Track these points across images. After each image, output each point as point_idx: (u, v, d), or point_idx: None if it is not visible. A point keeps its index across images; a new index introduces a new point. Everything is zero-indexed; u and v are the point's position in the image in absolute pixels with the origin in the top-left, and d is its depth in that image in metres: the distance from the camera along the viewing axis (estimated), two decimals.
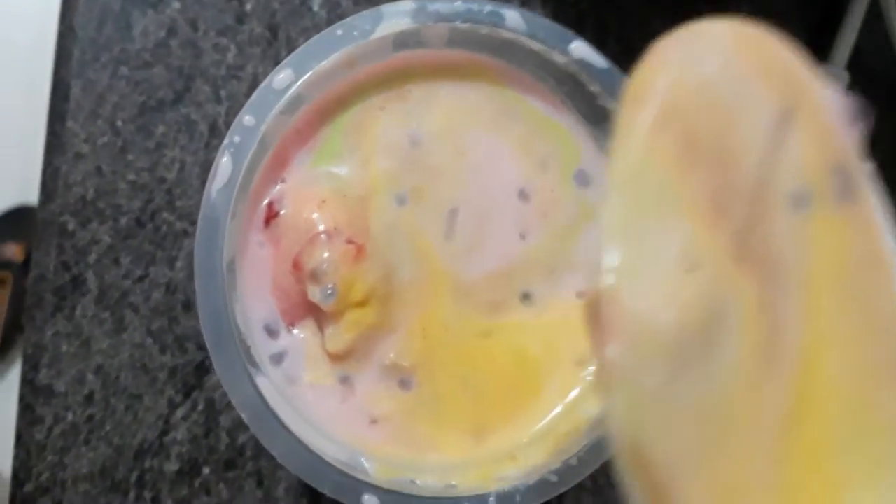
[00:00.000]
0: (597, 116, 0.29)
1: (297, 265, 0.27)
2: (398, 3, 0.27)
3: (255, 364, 0.26)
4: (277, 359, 0.27)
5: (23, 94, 0.97)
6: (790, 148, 0.17)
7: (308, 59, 0.27)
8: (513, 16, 0.28)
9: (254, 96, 0.26)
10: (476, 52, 0.29)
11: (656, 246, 0.17)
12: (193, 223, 0.37)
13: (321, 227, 0.27)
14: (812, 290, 0.17)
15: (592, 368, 0.29)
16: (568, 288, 0.29)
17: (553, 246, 0.29)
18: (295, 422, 0.26)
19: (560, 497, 0.37)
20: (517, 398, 0.28)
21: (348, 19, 0.27)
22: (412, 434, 0.28)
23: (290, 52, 0.27)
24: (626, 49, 0.28)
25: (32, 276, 0.37)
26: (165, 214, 0.38)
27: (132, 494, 0.36)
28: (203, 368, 0.37)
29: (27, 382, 0.36)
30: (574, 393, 0.29)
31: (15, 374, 0.95)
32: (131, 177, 0.38)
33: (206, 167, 0.38)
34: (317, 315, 0.28)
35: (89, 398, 0.36)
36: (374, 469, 0.27)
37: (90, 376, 0.36)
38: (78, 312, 0.37)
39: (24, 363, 0.37)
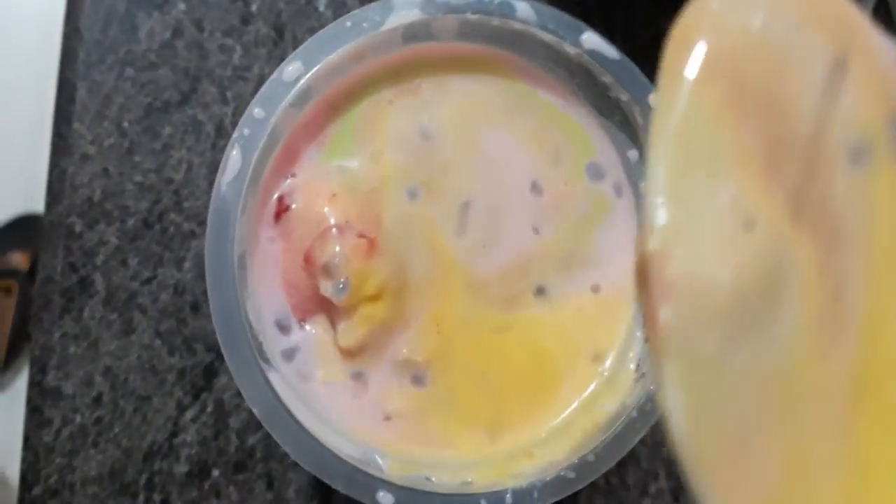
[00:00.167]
0: (609, 108, 0.29)
1: (308, 259, 0.26)
2: None
3: (266, 360, 0.26)
4: (289, 354, 0.27)
5: (28, 97, 0.97)
6: (845, 98, 0.16)
7: (317, 51, 0.26)
8: (523, 7, 0.27)
9: (263, 88, 0.26)
10: (487, 45, 0.28)
11: (708, 202, 0.16)
12: (201, 224, 0.37)
13: (332, 221, 0.27)
14: (874, 252, 0.16)
15: (609, 363, 0.28)
16: (583, 282, 0.29)
17: (567, 239, 0.28)
18: (308, 418, 0.25)
19: (573, 499, 0.37)
20: (533, 394, 0.28)
21: (357, 11, 0.27)
22: (426, 431, 0.27)
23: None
24: (632, 47, 0.28)
25: (40, 279, 0.37)
26: (173, 215, 0.37)
27: (141, 497, 0.36)
28: (212, 370, 0.36)
29: (35, 385, 0.36)
30: (591, 388, 0.28)
31: (22, 382, 0.95)
32: (138, 178, 0.37)
33: (213, 168, 0.38)
34: (329, 310, 0.27)
35: (97, 400, 0.36)
36: (388, 466, 0.26)
37: (98, 378, 0.36)
38: (86, 314, 0.36)
39: (32, 365, 0.36)
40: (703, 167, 0.16)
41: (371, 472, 0.25)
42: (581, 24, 0.27)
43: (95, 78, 0.38)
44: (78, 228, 0.37)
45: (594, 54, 0.27)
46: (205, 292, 0.37)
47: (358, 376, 0.27)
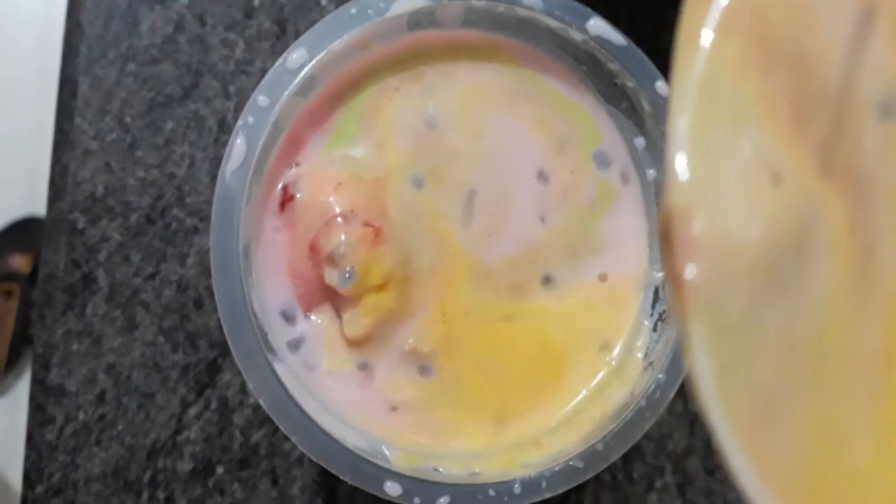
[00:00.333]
0: (615, 95, 0.28)
1: (313, 249, 0.26)
2: None
3: (272, 350, 0.26)
4: (295, 345, 0.27)
5: (30, 92, 0.97)
6: (874, 52, 0.15)
7: (322, 37, 0.26)
8: None
9: (268, 75, 0.26)
10: (492, 32, 0.28)
11: (732, 156, 0.15)
12: (204, 219, 0.37)
13: (337, 210, 0.26)
14: None
15: (617, 352, 0.28)
16: (590, 270, 0.28)
17: (574, 228, 0.28)
18: (314, 409, 0.25)
19: (579, 494, 0.36)
20: (540, 383, 0.28)
21: None
22: (433, 421, 0.27)
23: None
24: (636, 39, 0.28)
25: (42, 275, 0.37)
26: (175, 211, 0.37)
27: (145, 494, 0.35)
28: (216, 366, 0.36)
29: (38, 382, 0.36)
30: (598, 377, 0.28)
31: (24, 385, 0.95)
32: (140, 173, 0.37)
33: (216, 163, 0.38)
34: (334, 300, 0.27)
35: (101, 397, 0.36)
36: (395, 457, 0.26)
37: (101, 375, 0.36)
38: (89, 311, 0.36)
39: (35, 363, 0.36)
40: (727, 120, 0.15)
41: (378, 462, 0.25)
42: (587, 10, 0.27)
43: (97, 73, 0.38)
44: (80, 224, 0.37)
45: (601, 41, 0.27)
46: (208, 288, 0.37)
47: (364, 366, 0.27)
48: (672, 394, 0.26)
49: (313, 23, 0.39)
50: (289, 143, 0.27)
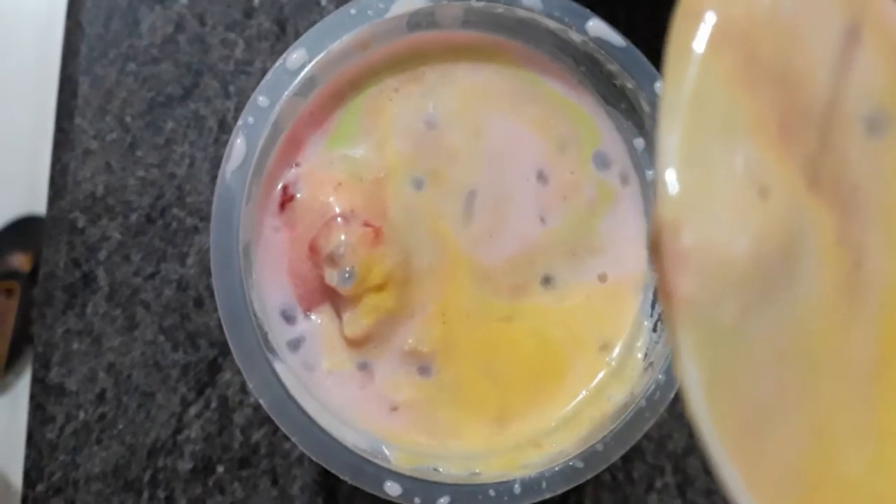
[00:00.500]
0: (615, 96, 0.28)
1: (313, 249, 0.26)
2: None
3: (272, 350, 0.26)
4: (295, 345, 0.27)
5: (30, 92, 0.97)
6: (860, 68, 0.16)
7: (322, 38, 0.26)
8: None
9: (268, 76, 0.26)
10: (492, 33, 0.28)
11: (721, 171, 0.15)
12: (204, 219, 0.37)
13: (337, 211, 0.26)
14: (894, 222, 0.16)
15: (617, 353, 0.28)
16: (589, 271, 0.28)
17: (573, 229, 0.28)
18: (314, 409, 0.25)
19: (579, 494, 0.36)
20: (540, 384, 0.28)
21: None
22: (433, 421, 0.27)
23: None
24: (635, 40, 0.28)
25: (42, 274, 0.37)
26: (175, 210, 0.37)
27: (145, 494, 0.35)
28: (216, 366, 0.36)
29: (38, 381, 0.36)
30: (598, 378, 0.28)
31: (24, 384, 0.95)
32: (141, 173, 0.37)
33: (216, 163, 0.38)
34: (334, 300, 0.27)
35: (101, 396, 0.36)
36: (395, 457, 0.26)
37: (102, 374, 0.36)
38: (89, 310, 0.36)
39: (35, 362, 0.36)
40: (716, 135, 0.15)
41: (378, 462, 0.25)
42: (587, 11, 0.27)
43: (97, 73, 0.38)
44: (80, 224, 0.37)
45: (600, 42, 0.27)
46: (208, 287, 0.37)
47: (364, 366, 0.27)
48: (672, 394, 0.26)
49: (313, 23, 0.39)
50: (289, 143, 0.27)
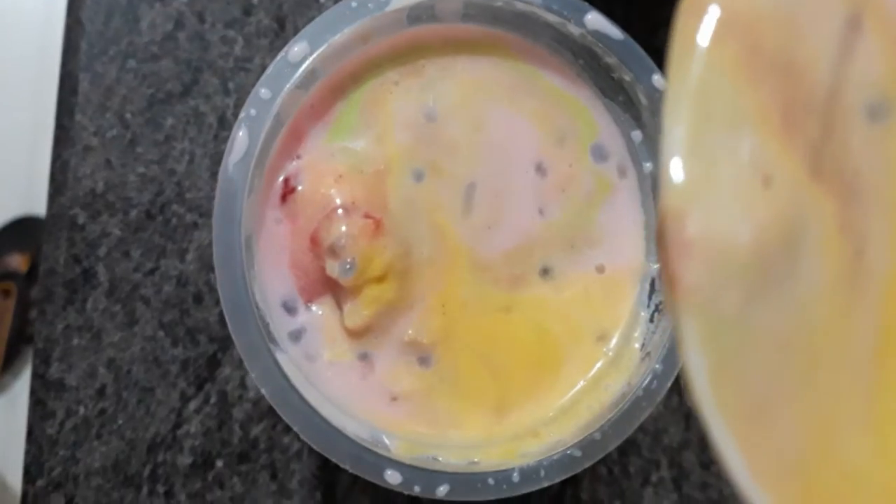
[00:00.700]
0: (613, 89, 0.29)
1: (314, 241, 0.26)
2: None
3: (274, 341, 0.26)
4: (296, 336, 0.27)
5: (30, 89, 0.97)
6: (861, 57, 0.16)
7: (323, 31, 0.26)
8: None
9: (269, 69, 0.26)
10: (491, 26, 0.28)
11: (725, 160, 0.15)
12: (203, 215, 0.37)
13: (338, 202, 0.27)
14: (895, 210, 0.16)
15: (614, 343, 0.29)
16: (587, 262, 0.29)
17: (572, 220, 0.28)
18: (315, 398, 0.25)
19: (575, 488, 0.37)
20: (539, 374, 0.28)
21: None
22: (433, 411, 0.27)
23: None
24: (632, 35, 0.28)
25: (42, 271, 0.37)
26: (175, 207, 0.37)
27: (145, 489, 0.35)
28: (215, 361, 0.36)
29: (38, 377, 0.36)
30: (596, 368, 0.28)
31: (22, 383, 0.95)
32: (141, 169, 0.37)
33: (216, 159, 0.38)
34: (335, 291, 0.27)
35: (101, 392, 0.36)
36: (395, 446, 0.26)
37: (102, 370, 0.36)
38: (89, 306, 0.36)
39: (35, 357, 0.36)
40: (720, 125, 0.16)
41: (378, 451, 0.25)
42: (585, 4, 0.27)
43: (97, 69, 0.38)
44: (81, 220, 0.37)
45: (598, 35, 0.27)
46: (207, 283, 0.37)
47: (364, 357, 0.27)
48: (669, 384, 0.27)
49: (312, 20, 0.39)
50: (290, 135, 0.27)
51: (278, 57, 0.26)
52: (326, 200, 0.27)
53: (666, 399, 0.26)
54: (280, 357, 0.25)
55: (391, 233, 0.27)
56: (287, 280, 0.27)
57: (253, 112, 0.26)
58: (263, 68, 0.39)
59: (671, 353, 0.27)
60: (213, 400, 0.36)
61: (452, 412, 0.27)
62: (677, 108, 0.15)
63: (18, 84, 1.04)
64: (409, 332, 0.27)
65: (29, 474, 0.36)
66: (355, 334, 0.27)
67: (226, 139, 0.38)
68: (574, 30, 0.27)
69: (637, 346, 0.28)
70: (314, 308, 0.27)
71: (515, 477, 0.26)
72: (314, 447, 0.25)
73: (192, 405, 0.36)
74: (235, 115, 0.38)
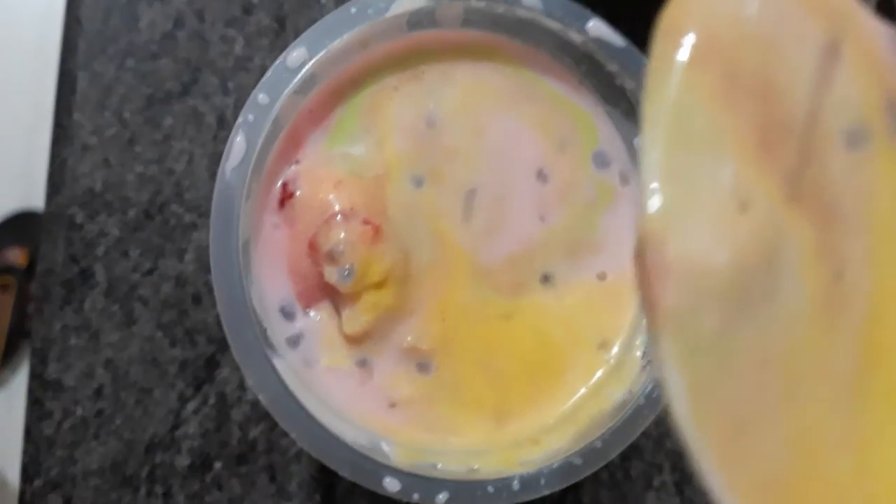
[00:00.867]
0: (615, 97, 0.29)
1: (313, 246, 0.26)
2: None
3: (271, 346, 0.26)
4: (294, 341, 0.27)
5: (29, 87, 0.97)
6: (839, 83, 0.16)
7: (322, 36, 0.26)
8: None
9: (268, 74, 0.26)
10: (492, 32, 0.28)
11: (702, 185, 0.16)
12: (202, 215, 0.37)
13: (337, 208, 0.27)
14: (875, 234, 0.16)
15: (616, 351, 0.28)
16: (588, 269, 0.29)
17: (573, 227, 0.28)
18: (313, 405, 0.25)
19: (577, 492, 0.37)
20: (539, 381, 0.28)
21: None
22: (432, 418, 0.27)
23: None
24: (635, 40, 0.28)
25: (40, 270, 0.37)
26: (174, 206, 0.37)
27: (143, 490, 0.35)
28: (214, 362, 0.36)
29: (36, 377, 0.36)
30: (597, 375, 0.28)
31: (20, 379, 0.95)
32: (139, 169, 0.37)
33: (215, 159, 0.38)
34: (333, 297, 0.27)
35: (99, 392, 0.36)
36: (394, 453, 0.26)
37: (99, 370, 0.36)
38: (87, 306, 0.36)
39: (33, 357, 0.36)
40: (698, 150, 0.16)
41: (377, 458, 0.25)
42: (587, 11, 0.27)
43: (96, 68, 0.38)
44: (79, 219, 0.37)
45: (600, 42, 0.27)
46: (206, 284, 0.37)
47: (363, 363, 0.27)
48: None
49: (312, 19, 0.39)
50: (289, 140, 0.27)
51: (276, 62, 0.26)
52: (325, 206, 0.27)
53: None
54: (277, 363, 0.25)
55: (390, 239, 0.27)
56: (285, 285, 0.27)
57: (251, 118, 0.26)
58: (263, 68, 0.39)
59: None
60: (211, 401, 0.36)
61: (452, 419, 0.27)
62: (655, 132, 0.16)
63: (17, 79, 1.04)
64: (409, 338, 0.27)
65: (27, 474, 0.35)
66: (354, 340, 0.27)
67: (225, 139, 0.37)
68: (576, 37, 0.27)
69: (638, 353, 0.28)
70: (312, 314, 0.27)
71: (515, 485, 0.26)
72: (312, 454, 0.25)
73: (191, 406, 0.36)
74: (235, 115, 0.38)
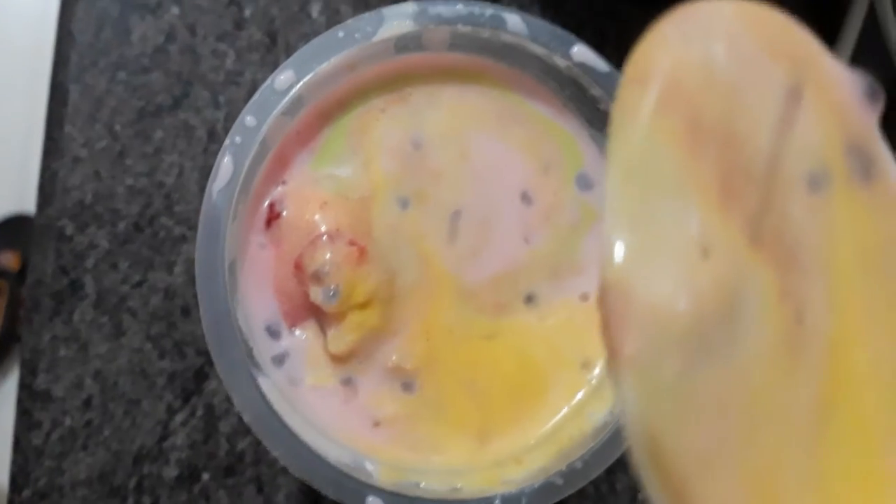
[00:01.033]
0: (599, 120, 0.29)
1: (298, 267, 0.27)
2: (400, 5, 0.27)
3: (257, 365, 0.26)
4: (279, 360, 0.27)
5: (20, 100, 0.97)
6: (802, 126, 0.16)
7: (309, 60, 0.26)
8: (514, 19, 0.27)
9: (255, 97, 0.26)
10: (478, 56, 0.29)
11: (665, 232, 0.16)
12: (192, 228, 0.37)
13: (323, 229, 0.27)
14: (836, 276, 0.16)
15: (598, 371, 0.29)
16: (572, 290, 0.29)
17: (556, 249, 0.29)
18: (297, 424, 0.26)
19: None
20: (522, 401, 0.28)
21: (350, 21, 0.27)
22: (416, 437, 0.28)
23: (288, 58, 0.27)
24: (624, 58, 0.28)
25: (30, 281, 0.37)
26: (164, 219, 0.37)
27: (131, 500, 0.36)
28: (202, 374, 0.36)
29: (25, 387, 0.36)
30: (579, 396, 0.28)
31: (11, 383, 0.95)
32: (129, 181, 0.38)
33: (205, 172, 0.38)
34: (319, 316, 0.27)
35: (87, 403, 0.36)
36: (377, 472, 0.26)
37: (88, 381, 0.36)
38: (76, 317, 0.37)
39: (22, 367, 0.36)
40: (660, 198, 0.16)
41: (360, 477, 0.26)
42: (572, 36, 0.28)
43: (88, 81, 0.38)
44: (69, 231, 0.37)
45: (584, 67, 0.28)
46: (195, 296, 0.37)
47: (347, 382, 0.28)
48: None
49: (304, 35, 0.39)
50: (276, 161, 0.28)
51: (264, 84, 0.26)
52: (311, 227, 0.27)
53: None
54: (262, 382, 0.26)
55: (375, 260, 0.27)
56: (271, 304, 0.27)
57: (238, 140, 0.26)
58: (254, 82, 0.39)
59: None
60: (199, 413, 0.36)
61: (435, 438, 0.28)
62: (617, 180, 0.16)
63: (12, 86, 1.04)
64: (393, 357, 0.27)
65: (15, 484, 0.36)
66: (339, 359, 0.27)
67: (215, 152, 0.38)
68: (560, 62, 0.28)
69: None
70: (298, 332, 0.28)
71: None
72: (295, 474, 0.25)
73: (179, 418, 0.36)
74: (225, 129, 0.38)
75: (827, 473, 0.16)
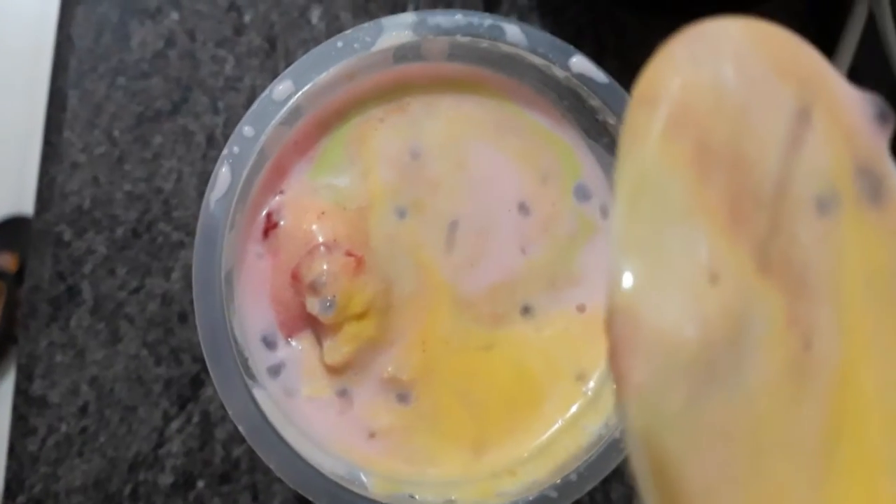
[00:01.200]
0: (597, 131, 0.29)
1: (295, 277, 0.27)
2: (399, 15, 0.27)
3: (252, 376, 0.26)
4: (275, 371, 0.27)
5: (20, 104, 0.97)
6: (810, 148, 0.16)
7: (308, 70, 0.26)
8: (513, 30, 0.27)
9: (253, 107, 0.26)
10: (477, 66, 0.28)
11: (673, 258, 0.15)
12: (190, 234, 0.37)
13: (320, 239, 0.27)
14: (844, 301, 0.16)
15: (593, 384, 0.29)
16: (568, 301, 0.29)
17: (553, 260, 0.29)
18: (292, 435, 0.26)
19: None
20: (517, 413, 0.28)
21: (349, 31, 0.27)
22: (411, 449, 0.28)
23: (288, 64, 0.27)
24: (624, 66, 0.28)
25: (27, 286, 0.37)
26: (162, 225, 0.37)
27: None
28: (198, 381, 0.36)
29: (21, 393, 0.36)
30: (574, 408, 0.28)
31: (8, 385, 0.95)
32: (128, 187, 0.37)
33: (204, 178, 0.38)
34: (315, 327, 0.27)
35: (83, 409, 0.36)
36: (372, 484, 0.26)
37: (84, 387, 0.36)
38: (73, 323, 0.36)
39: (18, 373, 0.36)
40: (668, 223, 0.16)
41: (355, 489, 0.25)
42: (570, 47, 0.28)
43: (87, 86, 0.38)
44: (66, 237, 0.37)
45: (583, 78, 0.27)
46: (192, 303, 0.37)
47: (343, 393, 0.27)
48: None
49: (303, 41, 0.39)
50: (274, 170, 0.27)
51: (262, 95, 0.26)
52: (308, 237, 0.27)
53: None
54: (257, 393, 0.25)
55: (372, 270, 0.27)
56: (267, 314, 0.27)
57: (236, 149, 0.26)
58: (253, 88, 0.39)
59: None
60: (195, 420, 0.36)
61: (430, 450, 0.28)
62: (625, 202, 0.16)
63: (11, 88, 1.04)
64: (389, 368, 0.27)
65: (10, 491, 0.36)
66: (335, 370, 0.27)
67: (214, 158, 0.38)
68: (559, 72, 0.27)
69: (615, 387, 0.28)
70: (294, 343, 0.28)
71: None
72: (290, 485, 0.25)
73: (175, 425, 0.36)
74: (224, 135, 0.38)
75: (831, 502, 0.15)
